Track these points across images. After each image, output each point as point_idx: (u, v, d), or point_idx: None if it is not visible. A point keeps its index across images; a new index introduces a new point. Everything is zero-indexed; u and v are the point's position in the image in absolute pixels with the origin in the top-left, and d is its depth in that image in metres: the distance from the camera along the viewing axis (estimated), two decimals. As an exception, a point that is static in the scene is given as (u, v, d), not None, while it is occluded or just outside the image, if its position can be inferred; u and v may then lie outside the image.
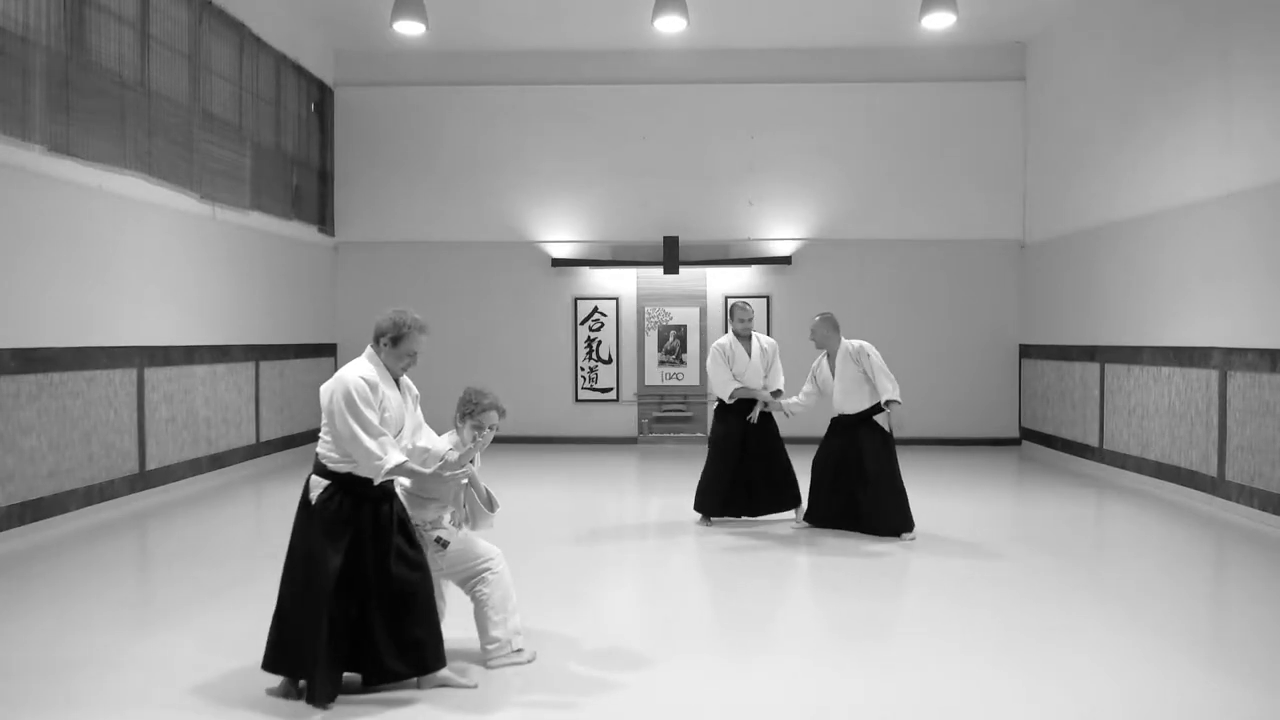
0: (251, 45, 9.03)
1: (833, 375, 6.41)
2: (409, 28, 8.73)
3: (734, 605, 4.86)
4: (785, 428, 6.82)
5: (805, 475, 6.62)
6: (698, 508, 6.64)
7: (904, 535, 6.24)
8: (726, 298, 11.20)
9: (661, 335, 11.20)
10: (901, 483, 6.33)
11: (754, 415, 6.52)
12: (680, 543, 6.13)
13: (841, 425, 6.45)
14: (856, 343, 6.33)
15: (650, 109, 11.18)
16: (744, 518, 6.67)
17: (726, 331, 6.83)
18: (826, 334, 6.41)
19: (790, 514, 6.69)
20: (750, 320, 6.66)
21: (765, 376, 6.63)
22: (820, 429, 6.69)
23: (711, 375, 6.63)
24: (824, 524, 6.47)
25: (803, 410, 6.57)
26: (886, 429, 6.30)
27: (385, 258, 11.31)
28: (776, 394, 6.60)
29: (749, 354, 6.60)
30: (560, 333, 11.27)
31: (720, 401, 6.66)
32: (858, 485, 6.29)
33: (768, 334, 11.00)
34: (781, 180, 11.17)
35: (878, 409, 6.28)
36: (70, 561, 5.53)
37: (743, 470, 6.55)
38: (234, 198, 8.73)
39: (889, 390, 6.17)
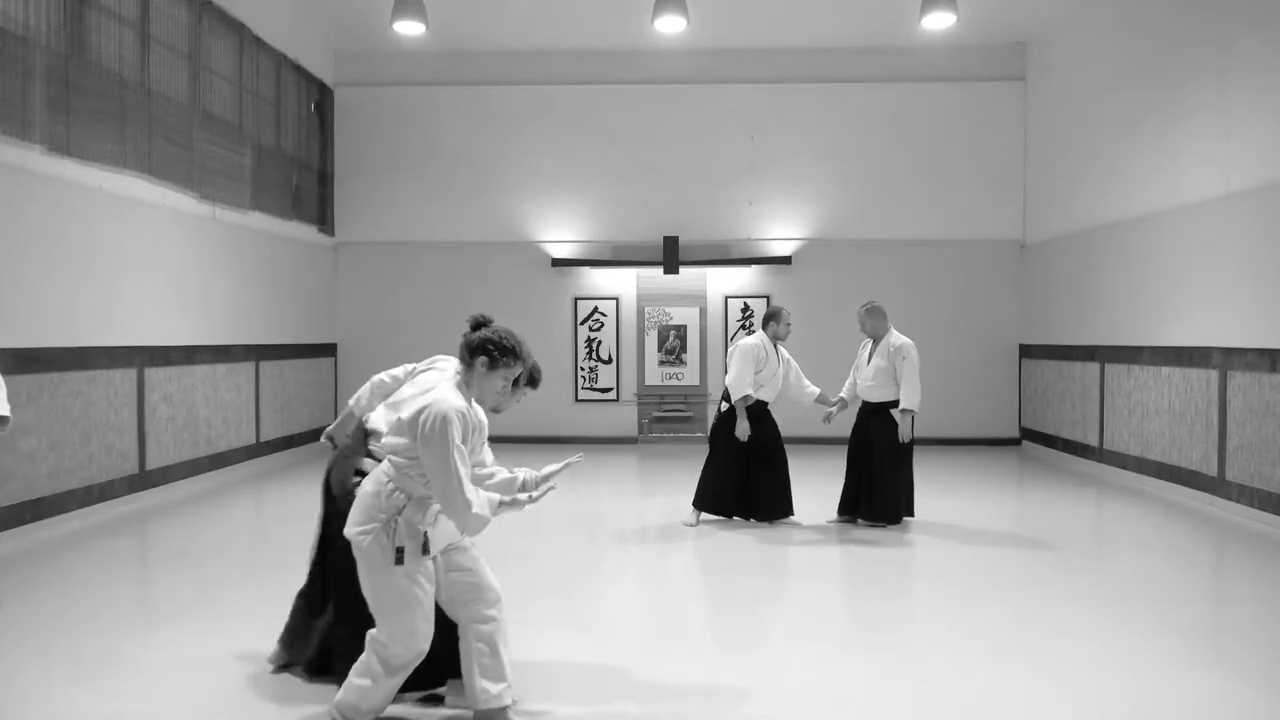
0: (251, 45, 9.03)
1: (868, 360, 6.56)
2: (409, 28, 8.74)
3: (736, 604, 4.86)
4: (816, 428, 6.84)
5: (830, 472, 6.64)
6: (702, 505, 6.57)
7: (886, 525, 6.42)
8: (727, 297, 11.20)
9: (661, 335, 11.20)
10: (909, 475, 6.48)
11: (744, 433, 6.37)
12: (682, 543, 6.13)
13: (864, 413, 6.61)
14: (901, 340, 6.47)
15: (650, 109, 11.18)
16: (734, 518, 6.68)
17: (755, 333, 6.62)
18: (876, 323, 6.54)
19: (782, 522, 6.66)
20: (791, 329, 6.63)
21: (780, 389, 6.59)
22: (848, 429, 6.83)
23: (737, 372, 6.39)
24: (850, 514, 6.62)
25: (841, 410, 6.68)
26: (902, 433, 6.41)
27: (385, 258, 11.31)
28: (823, 400, 6.69)
29: (778, 362, 6.53)
30: (560, 333, 11.27)
31: (727, 404, 6.54)
32: (864, 472, 6.47)
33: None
34: (781, 180, 11.17)
35: (897, 403, 6.45)
36: (70, 562, 5.53)
37: (748, 473, 6.53)
38: (234, 198, 8.73)
39: (907, 399, 6.36)
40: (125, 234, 7.14)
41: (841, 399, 6.71)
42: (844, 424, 6.98)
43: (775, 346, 6.57)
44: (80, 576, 5.22)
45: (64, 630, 4.23)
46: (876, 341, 6.56)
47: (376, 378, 3.68)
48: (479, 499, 2.95)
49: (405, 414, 3.04)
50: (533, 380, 3.41)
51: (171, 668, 3.76)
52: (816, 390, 6.70)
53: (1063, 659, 3.90)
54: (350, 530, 3.07)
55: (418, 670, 3.23)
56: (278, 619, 3.85)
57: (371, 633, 3.10)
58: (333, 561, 3.47)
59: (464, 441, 2.99)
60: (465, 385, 3.12)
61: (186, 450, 7.94)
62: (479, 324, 3.16)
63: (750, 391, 6.39)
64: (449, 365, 3.39)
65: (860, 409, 6.68)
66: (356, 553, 3.06)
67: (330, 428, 3.76)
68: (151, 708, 3.39)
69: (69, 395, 6.44)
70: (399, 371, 3.68)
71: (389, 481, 3.06)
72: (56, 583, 5.09)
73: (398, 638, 3.05)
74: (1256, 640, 4.24)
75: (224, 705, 3.40)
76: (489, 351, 3.08)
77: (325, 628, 3.55)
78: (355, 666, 3.13)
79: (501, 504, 3.05)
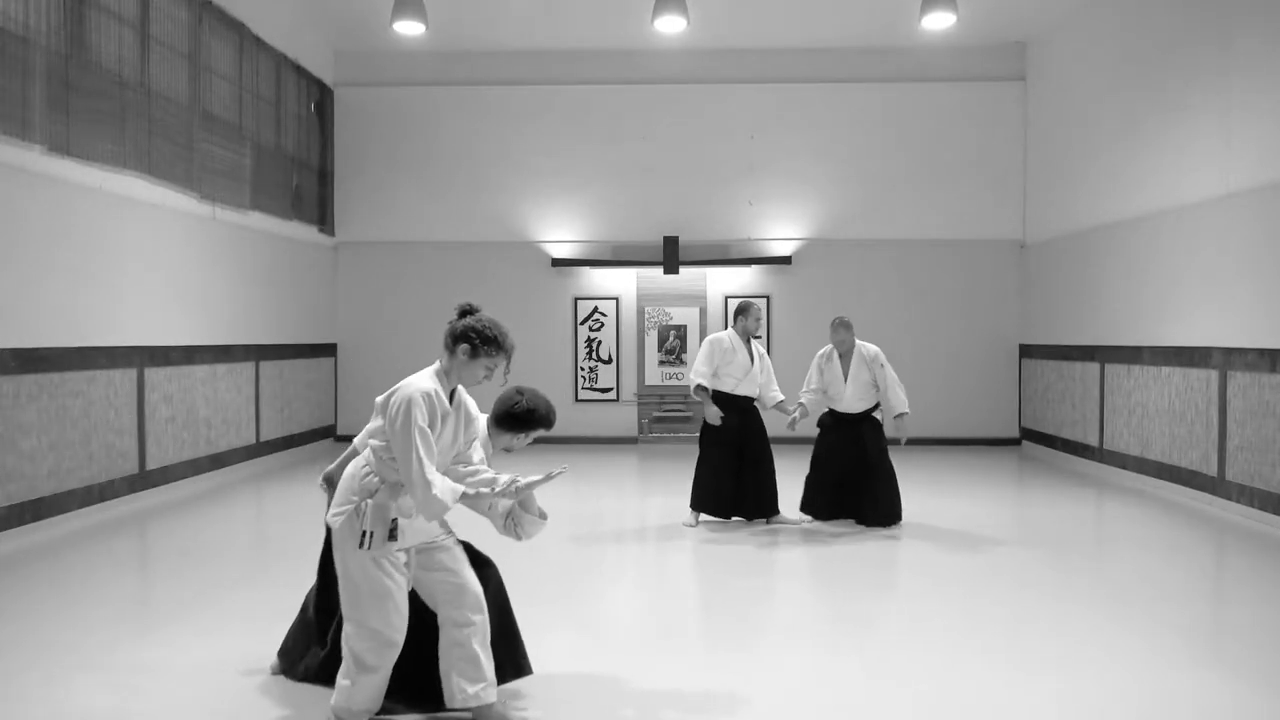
0: (251, 45, 9.03)
1: (844, 375, 6.56)
2: (409, 28, 8.74)
3: (735, 605, 4.86)
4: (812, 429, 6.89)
5: (800, 469, 6.65)
6: (699, 507, 6.56)
7: (893, 525, 6.47)
8: (727, 297, 11.20)
9: (661, 335, 11.20)
10: (895, 475, 6.57)
11: (714, 417, 6.40)
12: (681, 543, 6.13)
13: (842, 420, 6.60)
14: (872, 348, 6.55)
15: (650, 109, 11.18)
16: (734, 519, 6.67)
17: (727, 329, 6.72)
18: (851, 336, 6.59)
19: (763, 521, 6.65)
20: (761, 324, 6.62)
21: (759, 385, 6.57)
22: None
23: (697, 362, 6.50)
24: (825, 515, 6.61)
25: (803, 418, 6.58)
26: (895, 434, 6.50)
27: (385, 258, 11.31)
28: (782, 408, 6.64)
29: (751, 357, 6.54)
30: (560, 333, 11.27)
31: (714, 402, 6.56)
32: (860, 476, 6.50)
33: (768, 334, 11.03)
34: (781, 180, 11.17)
35: (876, 406, 6.58)
36: (70, 561, 5.53)
37: (739, 470, 6.52)
38: (234, 198, 8.73)
39: (903, 403, 6.48)
40: (125, 234, 7.14)
41: (802, 406, 6.60)
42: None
43: (748, 343, 6.55)
44: (80, 576, 5.23)
45: (64, 630, 4.23)
46: (845, 355, 6.58)
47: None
48: (441, 483, 2.95)
49: (380, 397, 3.08)
50: (547, 422, 3.41)
51: (171, 668, 3.76)
52: (781, 397, 6.63)
53: (1063, 659, 3.90)
54: (328, 514, 3.10)
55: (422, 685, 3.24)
56: (278, 619, 3.85)
57: (345, 629, 3.09)
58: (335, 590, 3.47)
59: (431, 425, 3.00)
60: (445, 374, 3.14)
61: (186, 450, 7.94)
62: (465, 312, 3.18)
63: (703, 382, 6.41)
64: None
65: (833, 417, 6.63)
66: (334, 537, 3.08)
67: (330, 468, 3.62)
68: (151, 708, 3.39)
69: (69, 395, 6.45)
70: None
71: (365, 465, 3.09)
72: (56, 583, 5.10)
73: (369, 627, 3.03)
74: (1256, 640, 4.24)
75: (224, 705, 3.40)
76: (470, 339, 3.09)
77: (328, 649, 3.51)
78: (340, 669, 3.14)
79: (464, 495, 3.04)
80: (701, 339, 11.06)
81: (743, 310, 6.58)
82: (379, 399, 3.08)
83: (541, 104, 11.21)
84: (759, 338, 6.75)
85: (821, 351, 6.69)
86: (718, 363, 6.47)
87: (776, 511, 6.61)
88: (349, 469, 3.16)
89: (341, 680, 3.11)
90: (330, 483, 3.61)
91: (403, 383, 3.06)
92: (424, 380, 3.06)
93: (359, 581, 3.03)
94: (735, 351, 6.48)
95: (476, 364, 3.11)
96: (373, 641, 3.05)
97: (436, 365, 3.16)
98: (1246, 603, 5.01)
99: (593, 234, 11.27)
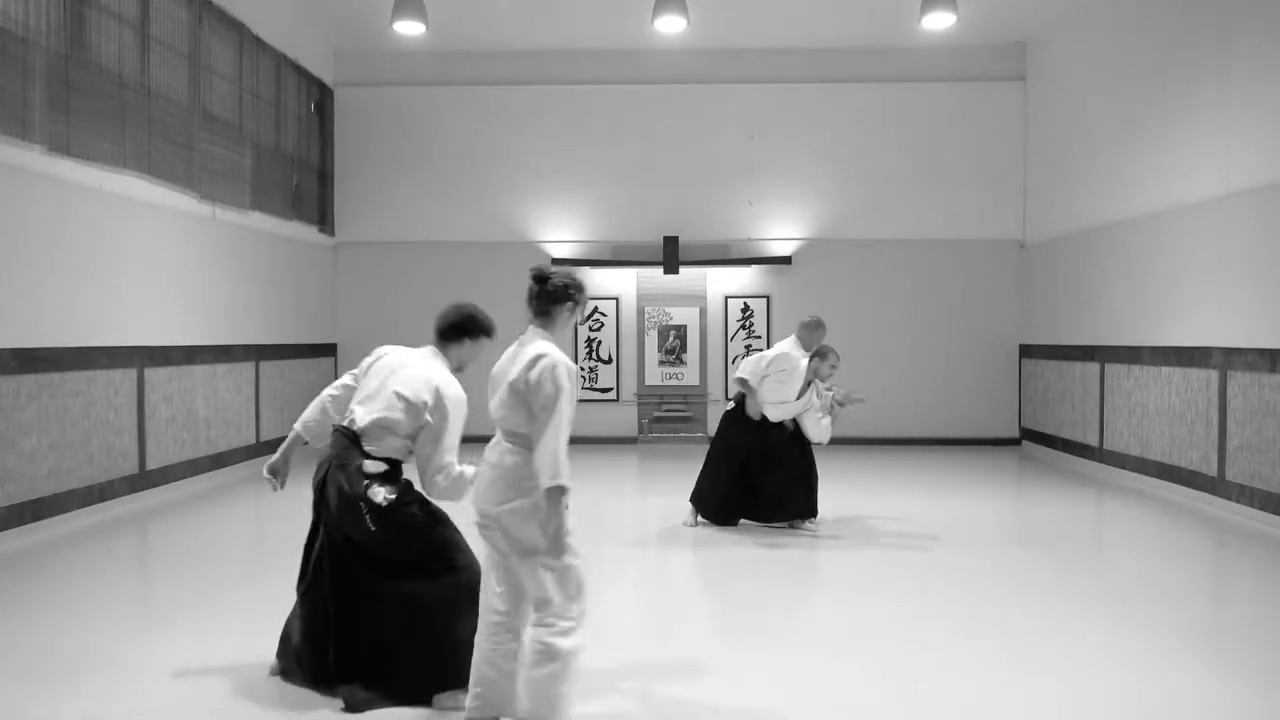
0: (251, 45, 9.03)
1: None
2: (409, 28, 8.74)
3: (736, 605, 4.86)
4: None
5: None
6: (700, 511, 6.53)
7: None
8: (727, 297, 11.20)
9: (661, 335, 11.20)
10: None
11: (755, 411, 6.39)
12: (682, 543, 6.13)
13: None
14: None
15: (650, 109, 11.18)
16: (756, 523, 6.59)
17: (796, 349, 6.34)
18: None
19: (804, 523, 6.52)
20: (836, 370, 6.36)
21: (791, 415, 6.42)
22: None
23: (754, 359, 6.39)
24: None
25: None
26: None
27: (385, 258, 11.31)
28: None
29: (799, 392, 6.30)
30: (560, 332, 11.24)
31: (733, 404, 6.55)
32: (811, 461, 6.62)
33: (768, 334, 11.02)
34: (781, 180, 11.17)
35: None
36: (70, 561, 5.53)
37: (748, 477, 6.43)
38: (234, 198, 8.73)
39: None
40: (125, 234, 7.14)
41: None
42: (862, 426, 6.96)
43: (813, 382, 6.34)
44: (80, 576, 5.23)
45: (64, 630, 4.23)
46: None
47: (326, 394, 3.65)
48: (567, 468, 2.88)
49: (513, 373, 2.98)
50: (487, 329, 3.67)
51: (172, 668, 3.76)
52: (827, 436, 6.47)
53: (1063, 659, 3.90)
54: (504, 509, 2.94)
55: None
56: (278, 619, 3.85)
57: (538, 618, 2.93)
58: (329, 574, 3.47)
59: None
60: (549, 336, 3.12)
61: (187, 450, 7.94)
62: (543, 277, 3.15)
63: (744, 376, 6.36)
64: (393, 350, 3.55)
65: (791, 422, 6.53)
66: (513, 519, 2.93)
67: (274, 459, 3.64)
68: (151, 708, 3.39)
69: (69, 395, 6.44)
70: (346, 379, 3.67)
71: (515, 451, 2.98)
72: (56, 583, 5.10)
73: (576, 588, 2.94)
74: (1256, 640, 4.24)
75: (224, 705, 3.40)
76: (571, 295, 3.14)
77: (321, 643, 3.47)
78: (527, 665, 2.93)
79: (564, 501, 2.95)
80: (702, 339, 11.12)
81: (820, 353, 6.31)
82: (513, 376, 2.97)
83: (541, 104, 11.21)
84: (823, 381, 6.43)
85: (803, 363, 6.34)
86: (770, 373, 6.26)
87: (805, 516, 6.42)
88: (506, 459, 2.98)
89: (537, 672, 2.92)
90: (276, 473, 3.63)
91: (540, 350, 2.98)
92: (557, 350, 3.03)
93: (564, 560, 2.92)
94: (790, 379, 6.26)
95: (574, 317, 3.20)
96: (576, 607, 2.97)
97: (543, 334, 3.11)
98: (1246, 603, 5.01)
99: (593, 234, 11.27)
